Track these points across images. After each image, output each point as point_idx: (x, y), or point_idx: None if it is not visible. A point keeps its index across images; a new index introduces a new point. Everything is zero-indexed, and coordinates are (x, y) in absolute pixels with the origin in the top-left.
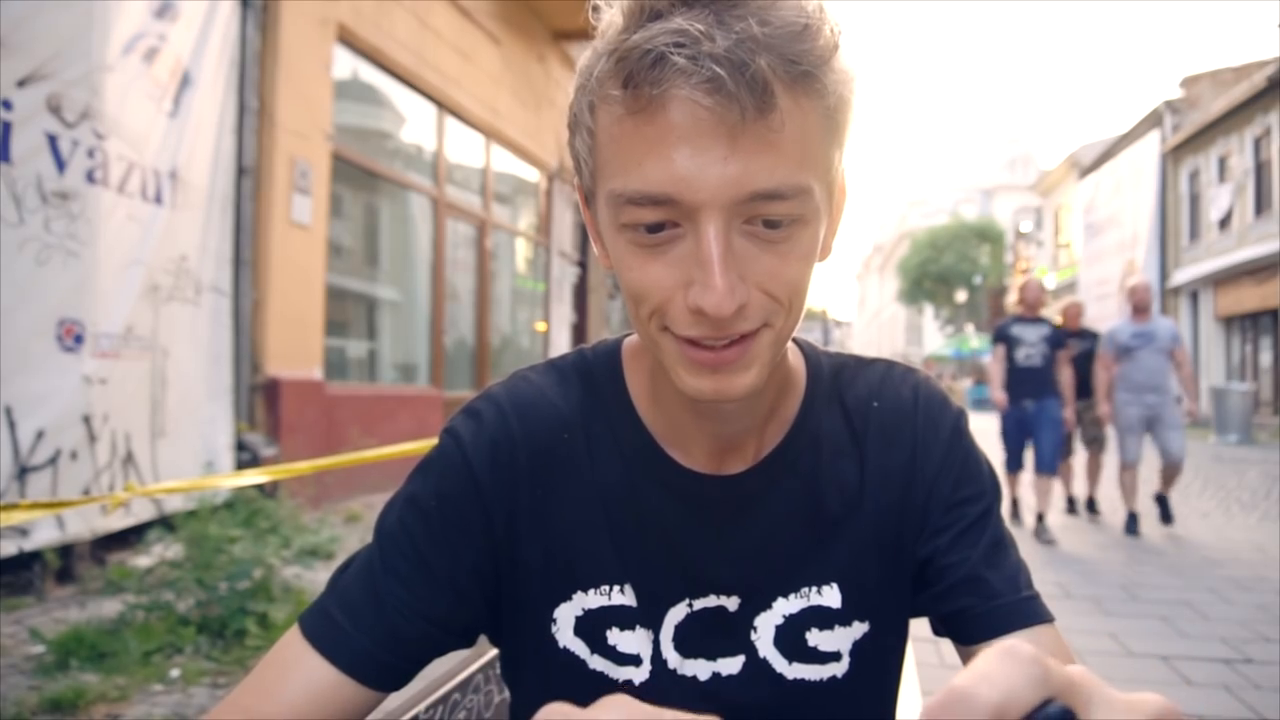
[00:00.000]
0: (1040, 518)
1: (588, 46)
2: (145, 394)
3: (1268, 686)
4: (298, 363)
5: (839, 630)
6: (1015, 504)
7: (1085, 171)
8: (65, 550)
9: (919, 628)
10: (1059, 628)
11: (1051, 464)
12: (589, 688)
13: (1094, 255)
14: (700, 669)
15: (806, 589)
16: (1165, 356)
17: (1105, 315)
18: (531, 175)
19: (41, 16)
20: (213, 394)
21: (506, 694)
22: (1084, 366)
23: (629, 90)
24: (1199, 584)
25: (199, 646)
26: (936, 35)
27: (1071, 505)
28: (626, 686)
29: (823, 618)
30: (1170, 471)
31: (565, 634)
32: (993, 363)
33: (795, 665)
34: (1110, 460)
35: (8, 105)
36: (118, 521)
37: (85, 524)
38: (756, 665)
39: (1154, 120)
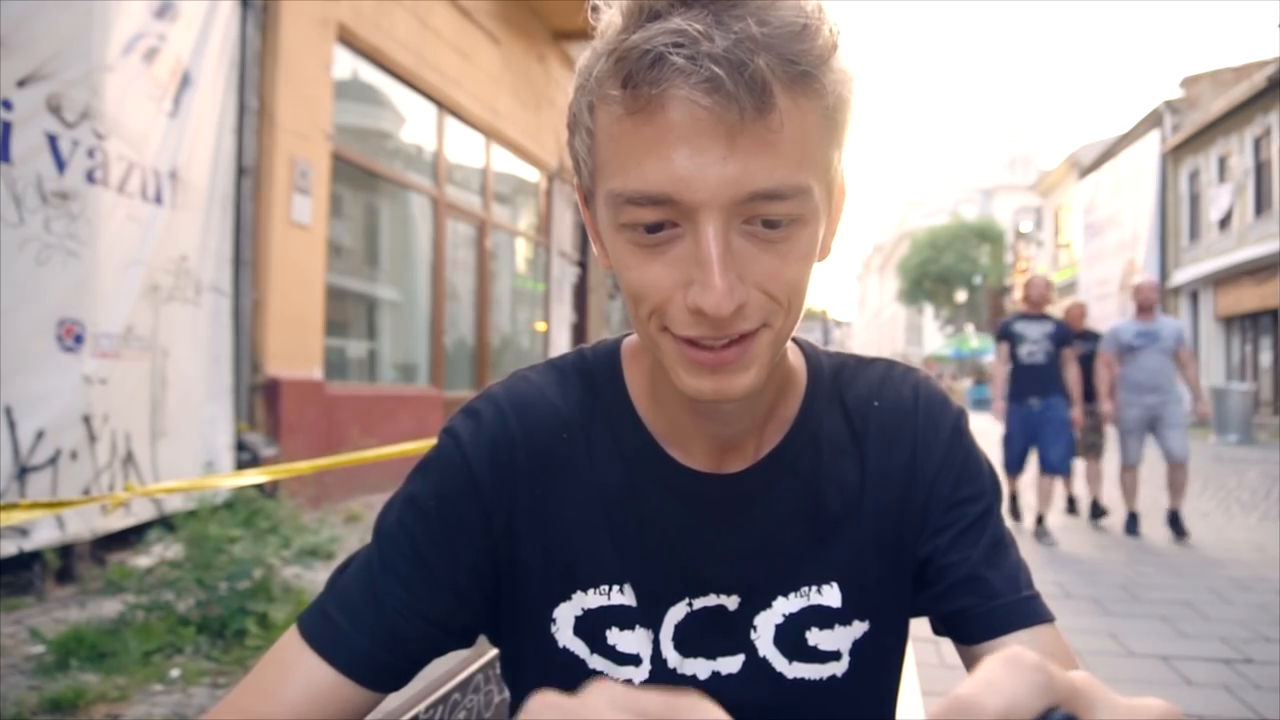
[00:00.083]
0: (1040, 519)
1: (587, 46)
2: (145, 394)
3: (1268, 686)
4: (298, 363)
5: (839, 630)
6: (1014, 499)
7: (1085, 171)
8: (65, 550)
9: (919, 628)
10: (1059, 627)
11: (1059, 466)
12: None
13: (1094, 255)
14: (700, 668)
15: (806, 588)
16: (1168, 357)
17: (1105, 315)
18: (531, 175)
19: (41, 16)
20: (213, 394)
21: (506, 694)
22: (1086, 369)
23: (628, 90)
24: (1199, 584)
25: (199, 646)
26: (936, 35)
27: (1071, 505)
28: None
29: (823, 617)
30: (1176, 476)
31: (565, 634)
32: (995, 363)
33: (795, 664)
34: (1111, 460)
35: (8, 105)
36: (118, 521)
37: (85, 524)
38: (756, 664)
39: (1154, 120)
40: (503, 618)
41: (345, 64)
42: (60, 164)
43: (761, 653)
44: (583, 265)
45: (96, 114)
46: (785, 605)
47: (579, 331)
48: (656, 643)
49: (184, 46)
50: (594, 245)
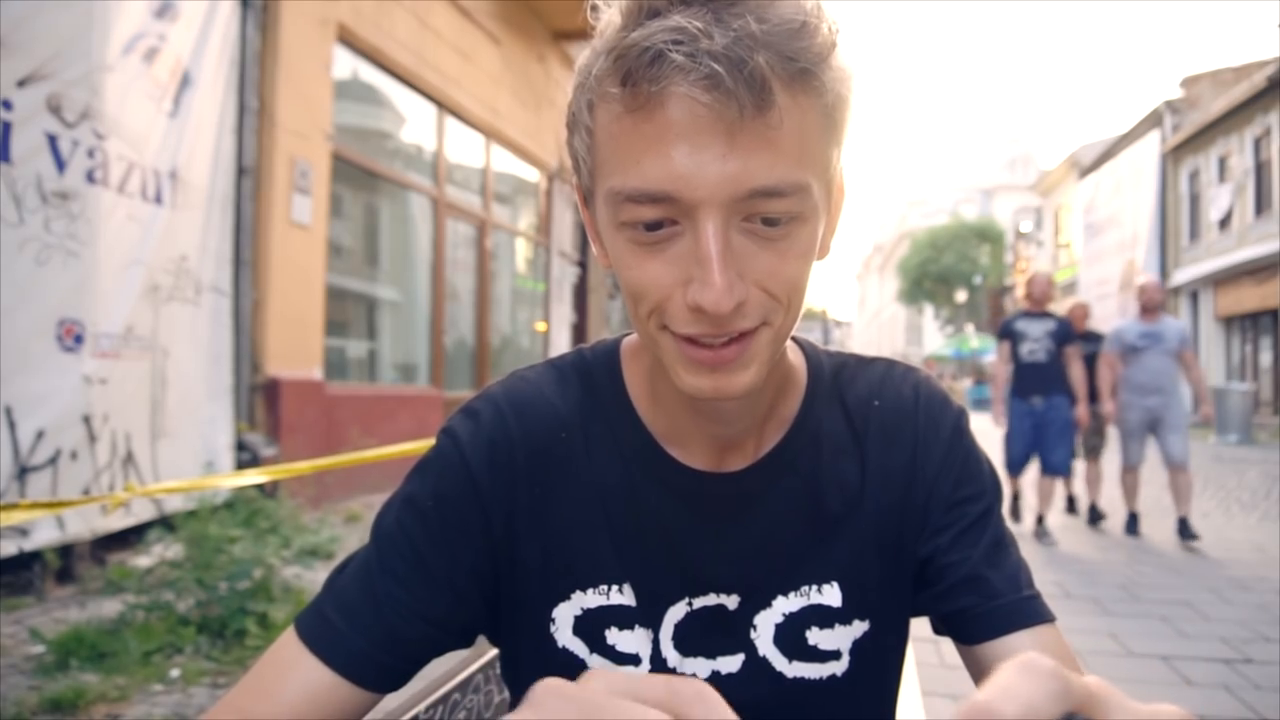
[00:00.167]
0: (1040, 519)
1: (587, 46)
2: (145, 394)
3: (1268, 686)
4: (298, 363)
5: (839, 629)
6: (1016, 500)
7: (1085, 171)
8: (65, 550)
9: (919, 627)
10: (1059, 627)
11: (1059, 468)
12: None
13: (1094, 255)
14: (700, 667)
15: (806, 587)
16: (1172, 358)
17: (1105, 315)
18: (531, 175)
19: (41, 16)
20: (213, 394)
21: (506, 694)
22: (1089, 370)
23: (627, 88)
24: (1199, 584)
25: (199, 646)
26: (936, 35)
27: (1071, 505)
28: None
29: (823, 616)
30: (1178, 481)
31: (564, 633)
32: (997, 364)
33: (795, 664)
34: (1112, 461)
35: (8, 105)
36: (118, 521)
37: (85, 524)
38: (756, 664)
39: (1154, 120)
40: (502, 618)
41: (345, 64)
42: (60, 164)
43: (761, 652)
44: (583, 265)
45: (96, 114)
46: (785, 604)
47: (579, 331)
48: (656, 642)
49: (184, 46)
50: (593, 245)
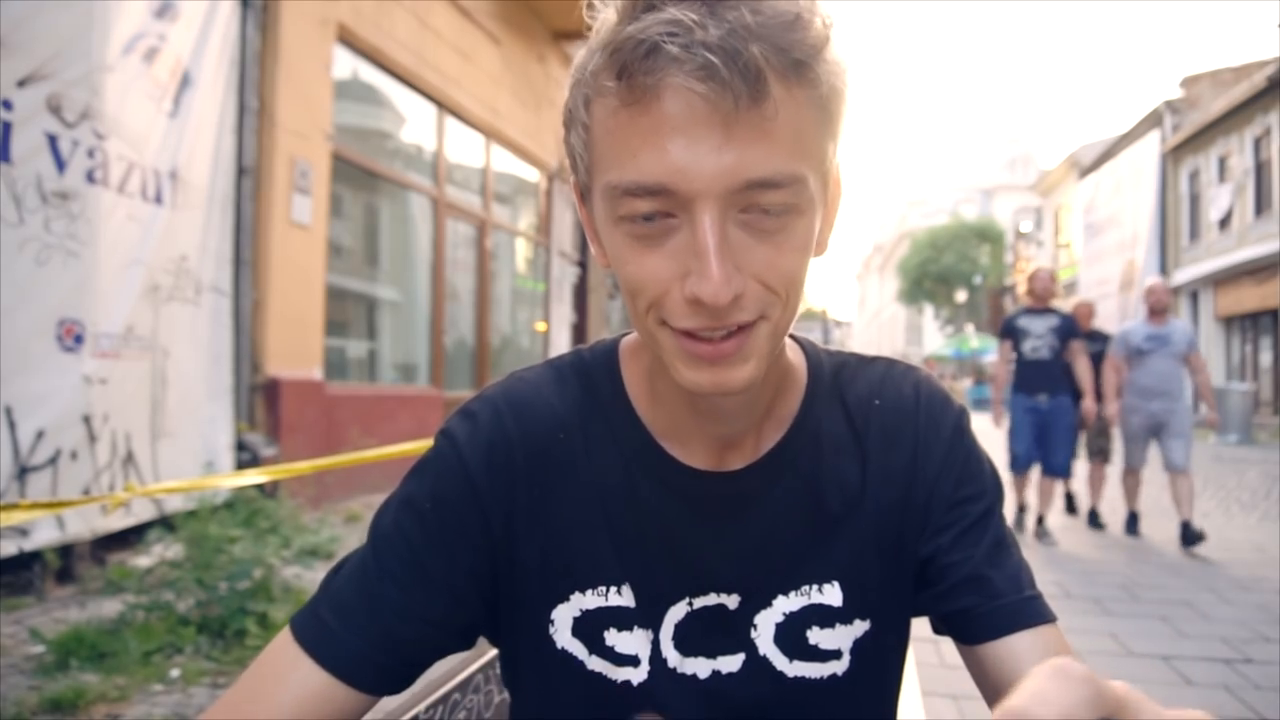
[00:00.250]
0: (1040, 519)
1: (584, 45)
2: (145, 394)
3: (1268, 686)
4: (298, 363)
5: (840, 628)
6: (1022, 510)
7: (1085, 171)
8: (65, 550)
9: (919, 627)
10: (1059, 627)
11: (1062, 470)
12: (587, 688)
13: (1094, 255)
14: (700, 667)
15: (807, 587)
16: (1178, 361)
17: (1105, 315)
18: (531, 175)
19: (41, 16)
20: (213, 394)
21: (506, 694)
22: (1093, 370)
23: (623, 81)
24: (1199, 584)
25: (199, 646)
26: (936, 34)
27: (1070, 503)
28: (625, 687)
29: (823, 616)
30: (1179, 486)
31: (563, 635)
32: (998, 364)
33: (796, 663)
34: (1113, 462)
35: (8, 105)
36: (118, 521)
37: (85, 524)
38: (757, 663)
39: (1154, 120)
40: (501, 619)
41: (345, 64)
42: (60, 164)
43: (762, 652)
44: (583, 265)
45: (96, 114)
46: (786, 604)
47: (579, 331)
48: (656, 643)
49: (184, 46)
50: (591, 244)
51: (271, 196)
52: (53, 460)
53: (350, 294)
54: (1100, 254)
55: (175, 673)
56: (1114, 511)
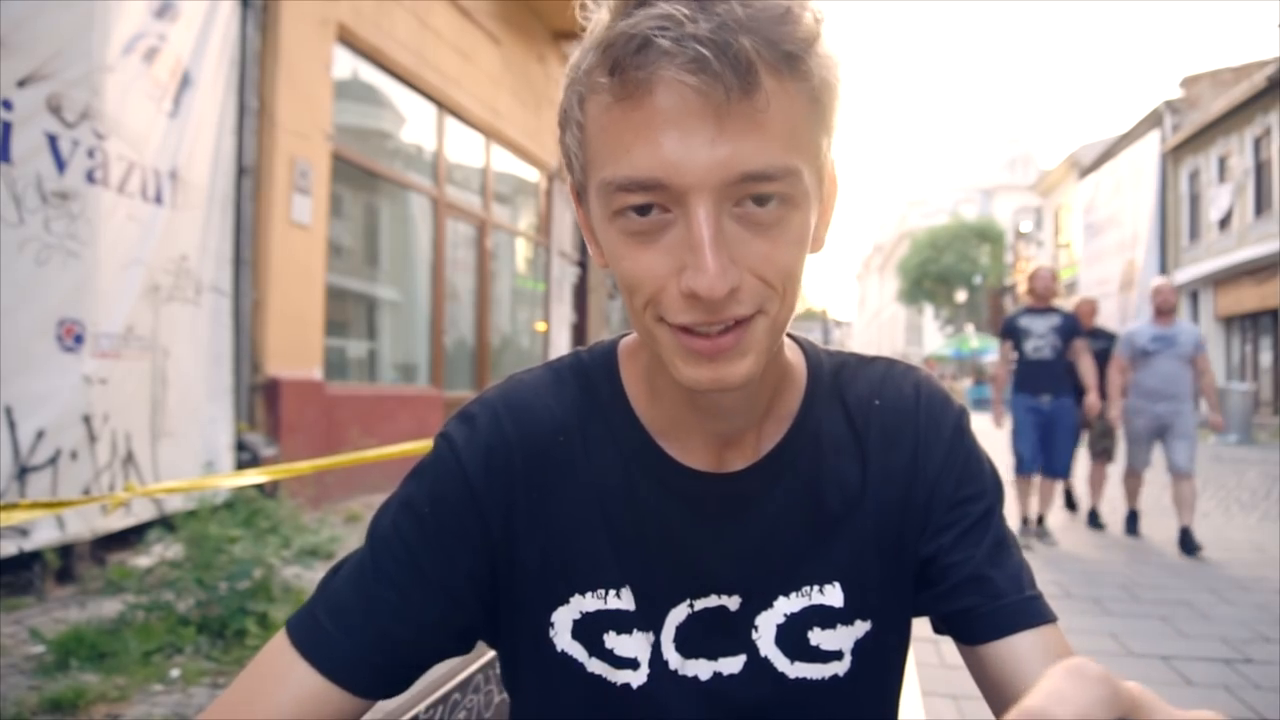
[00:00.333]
0: (1040, 519)
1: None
2: (145, 394)
3: (1268, 686)
4: (298, 363)
5: (841, 629)
6: (1026, 523)
7: (1085, 171)
8: (65, 550)
9: (919, 627)
10: (1059, 628)
11: (1063, 471)
12: (587, 691)
13: (1094, 255)
14: (701, 669)
15: (808, 588)
16: (1184, 363)
17: (1105, 316)
18: (531, 175)
19: (42, 16)
20: (213, 394)
21: (506, 695)
22: (1098, 368)
23: (616, 77)
24: (1199, 584)
25: (199, 646)
26: (936, 35)
27: (1070, 501)
28: (624, 690)
29: (824, 617)
30: (1182, 490)
31: (563, 637)
32: (999, 365)
33: (797, 664)
34: (1116, 461)
35: (8, 105)
36: (118, 521)
37: (85, 524)
38: (758, 664)
39: (1154, 120)
40: (501, 621)
41: (345, 64)
42: (60, 164)
43: (763, 653)
44: (583, 265)
45: (96, 114)
46: (787, 605)
47: (579, 331)
48: (657, 645)
49: (184, 46)
50: (588, 244)
51: (271, 196)
52: (53, 460)
53: (350, 294)
54: (1100, 254)
55: (175, 673)
56: (1114, 511)
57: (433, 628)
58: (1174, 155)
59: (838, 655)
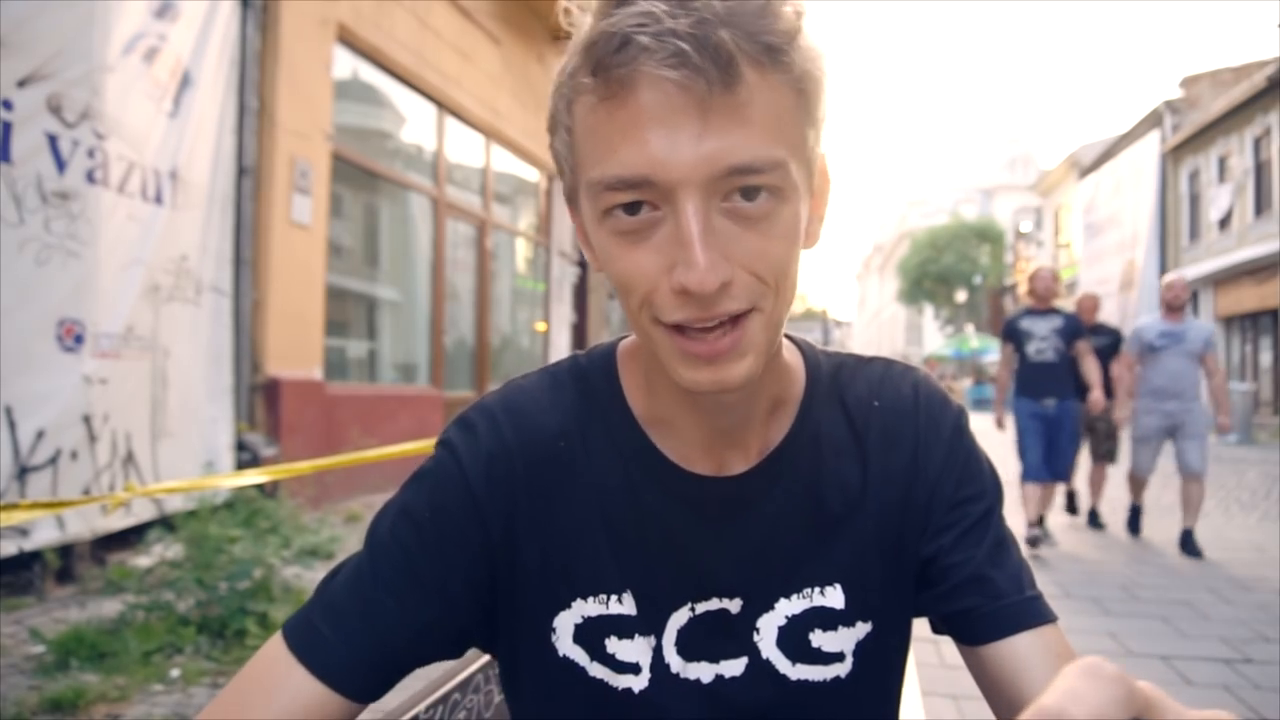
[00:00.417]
0: (1041, 519)
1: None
2: (145, 394)
3: (1268, 686)
4: (298, 363)
5: (842, 631)
6: (1031, 528)
7: (1085, 171)
8: (65, 550)
9: (919, 627)
10: (1059, 627)
11: (1064, 474)
12: (589, 695)
13: (1094, 255)
14: (703, 672)
15: (809, 590)
16: (1193, 361)
17: (1105, 315)
18: (531, 175)
19: (42, 16)
20: (213, 394)
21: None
22: (1101, 365)
23: (599, 77)
24: (1199, 584)
25: (199, 646)
26: (936, 35)
27: (1071, 501)
28: (626, 694)
29: (826, 618)
30: (1190, 491)
31: (565, 642)
32: (1000, 368)
33: (799, 666)
34: (1118, 462)
35: (8, 105)
36: (118, 521)
37: (85, 524)
38: (759, 667)
39: (1154, 120)
40: (500, 626)
41: (345, 64)
42: (60, 164)
43: (765, 655)
44: (583, 265)
45: (96, 114)
46: (788, 607)
47: (579, 332)
48: (658, 649)
49: (184, 46)
50: (583, 248)
51: (271, 196)
52: (53, 460)
53: (350, 294)
54: (1100, 254)
55: (175, 673)
56: (1114, 511)
57: (428, 633)
58: (1174, 155)
59: (839, 657)
